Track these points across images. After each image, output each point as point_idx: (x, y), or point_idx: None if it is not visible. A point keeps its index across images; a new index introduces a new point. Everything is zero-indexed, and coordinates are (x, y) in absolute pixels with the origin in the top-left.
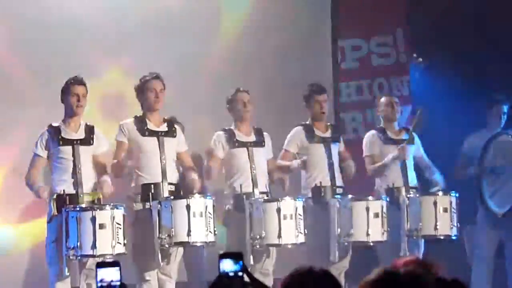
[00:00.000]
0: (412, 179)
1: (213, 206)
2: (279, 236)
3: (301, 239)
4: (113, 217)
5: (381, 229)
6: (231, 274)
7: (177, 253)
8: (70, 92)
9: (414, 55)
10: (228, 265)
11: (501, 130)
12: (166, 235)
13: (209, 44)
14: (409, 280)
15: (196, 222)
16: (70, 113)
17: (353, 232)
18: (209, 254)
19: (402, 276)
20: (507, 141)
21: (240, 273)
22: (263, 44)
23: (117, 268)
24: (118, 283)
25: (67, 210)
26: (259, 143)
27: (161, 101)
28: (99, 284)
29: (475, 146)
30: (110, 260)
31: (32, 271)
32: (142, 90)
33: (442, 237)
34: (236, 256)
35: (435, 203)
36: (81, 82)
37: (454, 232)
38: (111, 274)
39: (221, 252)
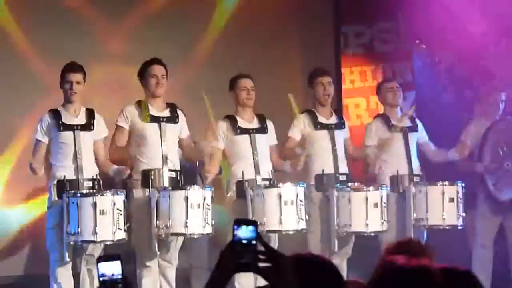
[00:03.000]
0: (416, 167)
1: (212, 197)
2: (280, 222)
3: (302, 225)
4: (114, 203)
5: (381, 219)
6: (245, 241)
7: (178, 240)
8: (65, 79)
9: (417, 41)
10: (242, 232)
11: (500, 117)
12: (164, 225)
13: (206, 30)
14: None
15: (194, 213)
16: (67, 99)
17: (352, 223)
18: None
19: (404, 271)
20: (506, 129)
21: (254, 241)
22: (265, 30)
23: (118, 261)
24: (120, 276)
25: (67, 195)
26: (262, 129)
27: (164, 87)
28: (101, 279)
29: (474, 135)
30: (111, 254)
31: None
32: (143, 75)
33: (448, 227)
34: (252, 223)
35: (442, 193)
36: (76, 69)
37: (460, 222)
38: (112, 268)
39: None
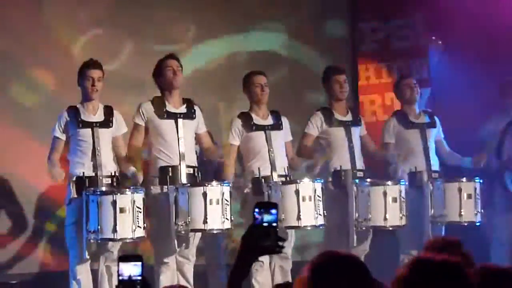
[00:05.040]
0: (435, 163)
1: (230, 193)
2: (298, 218)
3: (320, 221)
4: (134, 201)
5: (399, 214)
6: (266, 224)
7: (195, 237)
8: (85, 76)
9: (433, 37)
10: (264, 215)
11: None
12: (183, 221)
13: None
14: (446, 270)
15: (213, 209)
16: (86, 97)
17: (371, 217)
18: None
19: (438, 266)
20: None
21: (274, 224)
22: (280, 27)
23: (139, 263)
24: (139, 277)
25: (87, 193)
26: (277, 126)
27: (180, 78)
28: (119, 278)
29: (492, 131)
30: (132, 255)
31: None
32: (160, 70)
33: (466, 224)
34: (272, 206)
35: (459, 190)
36: (96, 66)
37: (478, 219)
38: (132, 269)
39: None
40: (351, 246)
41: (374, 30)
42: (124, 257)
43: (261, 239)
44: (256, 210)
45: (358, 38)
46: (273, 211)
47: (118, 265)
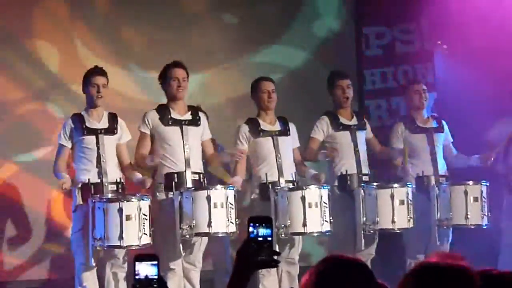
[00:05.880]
0: (442, 167)
1: (235, 196)
2: (304, 224)
3: (327, 227)
4: (140, 208)
5: (407, 216)
6: (261, 239)
7: (202, 242)
8: (91, 83)
9: (438, 42)
10: (258, 230)
11: None
12: (187, 225)
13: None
14: (453, 274)
15: (217, 213)
16: (91, 104)
17: (379, 220)
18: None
19: (444, 270)
20: None
21: (269, 238)
22: (285, 32)
23: (155, 262)
24: (156, 277)
25: (93, 201)
26: (284, 132)
27: (185, 89)
28: (136, 277)
29: (501, 134)
30: (148, 254)
31: None
32: (165, 78)
33: (472, 227)
34: (267, 221)
35: (465, 193)
36: (101, 73)
37: (485, 222)
38: (148, 269)
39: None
40: (359, 250)
41: (379, 35)
42: (140, 257)
43: (256, 253)
44: (251, 224)
45: (363, 43)
46: (267, 225)
47: (134, 265)
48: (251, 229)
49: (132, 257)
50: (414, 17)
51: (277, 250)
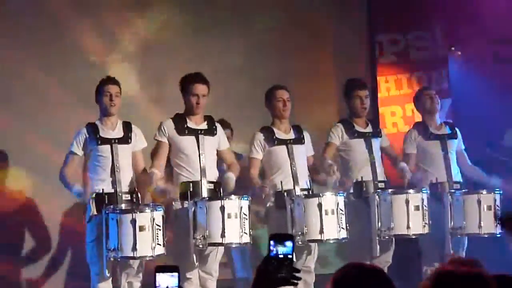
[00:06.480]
0: (456, 174)
1: (249, 207)
2: (321, 231)
3: (343, 234)
4: (153, 219)
5: (422, 222)
6: (281, 256)
7: (218, 252)
8: (103, 92)
9: (452, 48)
10: (279, 247)
11: None
12: (201, 235)
13: (238, 41)
14: (470, 280)
15: (231, 223)
16: (104, 113)
17: (394, 226)
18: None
19: (461, 276)
20: None
21: (290, 256)
22: (299, 40)
23: (176, 273)
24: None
25: (107, 211)
26: (299, 140)
27: (203, 106)
28: None
29: None
30: (169, 266)
31: None
32: (185, 90)
33: (486, 235)
34: (288, 238)
35: (478, 202)
36: (114, 81)
37: (498, 230)
38: (169, 280)
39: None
40: (375, 256)
41: (393, 41)
42: (161, 268)
43: (276, 271)
44: (272, 242)
45: (377, 50)
46: (288, 243)
47: (154, 276)
48: (271, 247)
49: (148, 267)
50: (427, 24)
51: (294, 258)
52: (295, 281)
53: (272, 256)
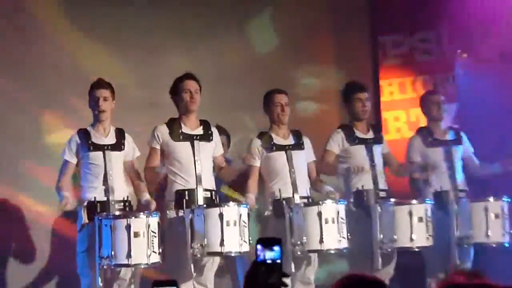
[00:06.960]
0: (461, 181)
1: (248, 214)
2: (321, 241)
3: (344, 244)
4: (148, 225)
5: (426, 234)
6: (269, 261)
7: (213, 262)
8: (93, 96)
9: (459, 50)
10: (267, 252)
11: None
12: (199, 244)
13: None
14: None
15: (230, 231)
16: (96, 118)
17: (396, 238)
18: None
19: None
20: None
21: (278, 261)
22: (301, 43)
23: (175, 287)
24: None
25: (100, 218)
26: (298, 145)
27: (197, 102)
28: None
29: None
30: (167, 280)
31: None
32: (176, 91)
33: (494, 245)
34: (276, 243)
35: (485, 209)
36: (103, 85)
37: (506, 239)
38: None
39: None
40: (376, 269)
41: (397, 43)
42: (159, 283)
43: (264, 276)
44: (259, 247)
45: (380, 52)
46: (276, 247)
47: None
48: (259, 252)
49: (142, 277)
50: (433, 25)
51: (293, 269)
52: (284, 287)
53: (260, 261)
